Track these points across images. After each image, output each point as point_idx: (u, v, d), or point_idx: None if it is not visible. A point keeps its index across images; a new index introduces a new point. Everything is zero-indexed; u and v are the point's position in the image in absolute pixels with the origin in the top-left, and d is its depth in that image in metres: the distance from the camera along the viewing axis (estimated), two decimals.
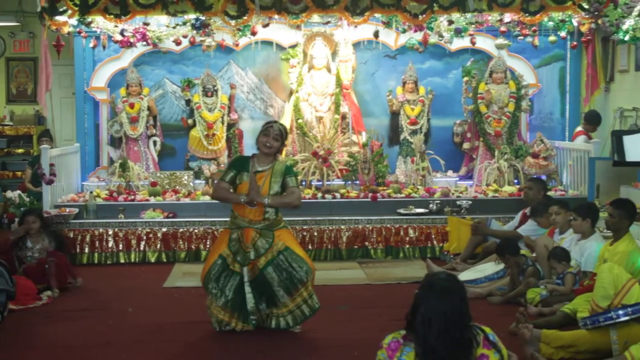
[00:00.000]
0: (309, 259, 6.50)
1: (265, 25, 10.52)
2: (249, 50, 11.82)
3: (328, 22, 11.36)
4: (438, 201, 10.19)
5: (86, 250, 9.70)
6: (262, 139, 6.43)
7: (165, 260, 9.74)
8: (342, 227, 9.85)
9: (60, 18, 9.86)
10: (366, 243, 9.83)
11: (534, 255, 7.78)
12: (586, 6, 9.85)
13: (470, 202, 10.10)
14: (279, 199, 6.37)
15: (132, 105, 11.34)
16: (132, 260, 9.75)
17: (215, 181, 9.87)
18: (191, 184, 10.93)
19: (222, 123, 11.42)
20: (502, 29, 10.88)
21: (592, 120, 11.12)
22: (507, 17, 10.61)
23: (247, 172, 6.41)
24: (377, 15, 10.35)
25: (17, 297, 7.22)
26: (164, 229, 9.81)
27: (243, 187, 6.38)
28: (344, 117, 11.49)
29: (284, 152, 10.65)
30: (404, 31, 11.07)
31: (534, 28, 10.80)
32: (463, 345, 3.60)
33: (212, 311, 6.49)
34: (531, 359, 5.34)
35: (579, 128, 11.37)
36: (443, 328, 3.56)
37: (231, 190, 6.44)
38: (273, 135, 6.41)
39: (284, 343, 6.29)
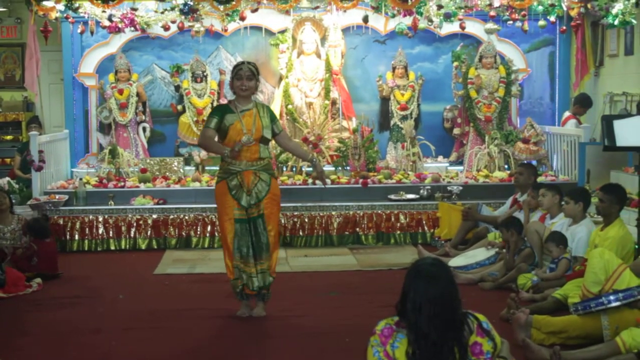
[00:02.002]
0: (275, 238, 6.61)
1: (254, 11, 10.48)
2: (238, 36, 11.76)
3: (317, 7, 11.29)
4: (429, 187, 10.19)
5: (76, 237, 9.66)
6: (236, 83, 6.52)
7: (155, 247, 9.72)
8: (333, 213, 9.84)
9: (47, 3, 9.80)
10: (357, 229, 9.83)
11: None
12: None
13: (460, 188, 10.09)
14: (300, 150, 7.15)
15: (121, 92, 11.29)
16: (123, 247, 9.72)
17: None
18: (181, 170, 10.89)
19: (212, 108, 11.36)
20: (492, 13, 10.82)
21: (584, 103, 11.12)
22: (497, 1, 10.55)
23: (231, 114, 6.48)
24: None
25: (6, 288, 7.22)
26: (154, 216, 9.78)
27: (235, 127, 6.42)
28: (334, 103, 11.48)
29: None
30: (393, 16, 11.01)
31: (523, 12, 10.76)
32: (455, 328, 3.60)
33: (237, 264, 6.48)
34: (523, 344, 5.34)
35: (568, 113, 11.38)
36: (433, 312, 3.56)
37: (216, 140, 6.56)
38: (246, 76, 6.48)
39: (275, 329, 6.30)
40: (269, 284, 6.55)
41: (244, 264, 6.47)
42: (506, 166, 10.93)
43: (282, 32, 11.68)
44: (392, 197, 10.09)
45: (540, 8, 10.72)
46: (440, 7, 10.43)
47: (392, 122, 11.62)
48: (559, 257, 7.02)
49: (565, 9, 10.70)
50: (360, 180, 10.33)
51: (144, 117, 11.54)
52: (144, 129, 11.58)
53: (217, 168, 10.51)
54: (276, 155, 10.45)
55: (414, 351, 3.57)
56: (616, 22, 9.88)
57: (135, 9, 10.57)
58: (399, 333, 3.63)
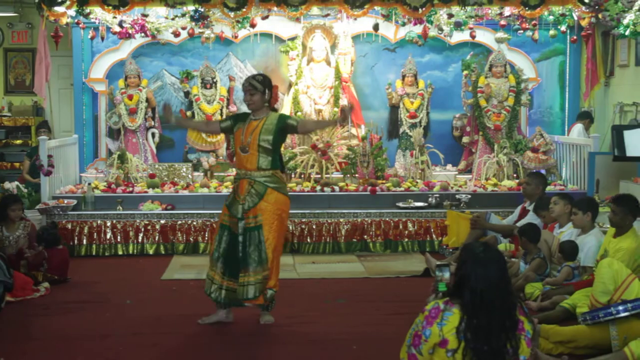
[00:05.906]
0: (274, 253, 6.34)
1: (265, 18, 10.51)
2: (248, 43, 11.79)
3: (327, 15, 11.34)
4: (437, 195, 10.18)
5: (84, 242, 9.68)
6: (245, 98, 6.53)
7: (163, 252, 9.73)
8: (341, 220, 9.83)
9: (58, 9, 9.84)
10: (365, 236, 9.81)
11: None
12: (586, 0, 9.84)
13: (469, 196, 10.08)
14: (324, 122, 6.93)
15: (130, 97, 11.32)
16: (131, 252, 9.73)
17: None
18: (190, 176, 10.90)
19: (221, 115, 11.38)
20: (502, 22, 10.85)
21: (588, 115, 11.41)
22: (507, 10, 10.59)
23: (243, 121, 6.48)
24: (376, 8, 10.35)
25: (14, 291, 7.22)
26: (162, 221, 9.79)
27: (238, 133, 6.46)
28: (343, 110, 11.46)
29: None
30: (404, 24, 11.05)
31: (534, 22, 10.78)
32: (511, 306, 3.76)
33: (208, 271, 6.49)
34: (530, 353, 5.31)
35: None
36: (495, 294, 3.71)
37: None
38: (247, 91, 6.45)
39: (282, 336, 6.28)
40: (256, 297, 6.30)
41: (213, 272, 6.41)
42: (515, 175, 10.90)
43: (292, 39, 11.71)
44: (401, 204, 10.07)
45: (551, 17, 10.75)
46: (450, 15, 10.47)
47: (401, 130, 11.62)
48: (562, 265, 7.01)
49: (576, 18, 10.71)
50: (369, 188, 10.31)
51: (153, 123, 11.57)
52: (153, 135, 11.60)
53: (225, 174, 10.77)
54: (284, 162, 10.42)
55: (466, 327, 3.69)
56: (627, 33, 9.91)
57: (145, 15, 10.61)
58: (446, 312, 3.74)
